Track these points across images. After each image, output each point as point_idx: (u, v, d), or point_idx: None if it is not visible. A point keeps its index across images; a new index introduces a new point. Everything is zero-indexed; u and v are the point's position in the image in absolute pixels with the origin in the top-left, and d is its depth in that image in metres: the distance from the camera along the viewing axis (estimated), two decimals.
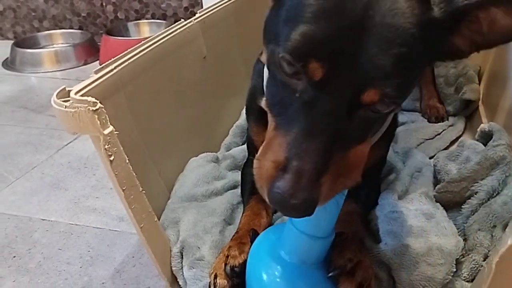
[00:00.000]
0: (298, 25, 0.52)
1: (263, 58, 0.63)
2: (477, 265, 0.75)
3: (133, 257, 0.98)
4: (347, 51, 0.51)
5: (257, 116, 0.94)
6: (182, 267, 0.83)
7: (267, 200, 0.56)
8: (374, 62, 0.51)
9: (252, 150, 1.01)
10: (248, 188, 0.94)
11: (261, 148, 0.60)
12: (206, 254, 0.82)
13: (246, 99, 0.98)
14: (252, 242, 0.76)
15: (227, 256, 0.75)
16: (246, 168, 1.00)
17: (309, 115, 0.54)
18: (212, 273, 0.75)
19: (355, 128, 0.56)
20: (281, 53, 0.53)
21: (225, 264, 0.74)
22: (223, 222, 0.91)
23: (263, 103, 0.65)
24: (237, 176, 1.04)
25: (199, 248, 0.84)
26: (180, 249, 0.84)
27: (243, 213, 0.89)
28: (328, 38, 0.51)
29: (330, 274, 0.66)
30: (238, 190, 1.00)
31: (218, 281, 0.73)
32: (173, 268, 0.83)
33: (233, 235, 0.82)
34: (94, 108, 0.64)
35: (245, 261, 0.74)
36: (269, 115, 0.62)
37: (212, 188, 1.00)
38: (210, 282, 0.75)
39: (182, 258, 0.84)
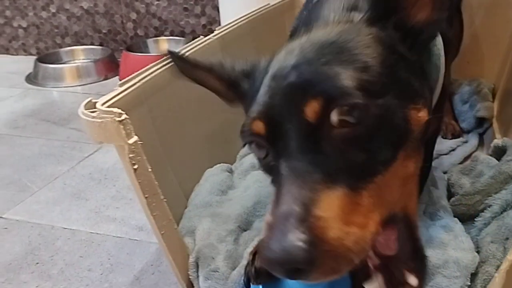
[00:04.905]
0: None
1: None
2: (490, 277, 0.75)
3: (152, 265, 1.01)
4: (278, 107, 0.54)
5: None
6: (198, 277, 0.84)
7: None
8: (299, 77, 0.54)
9: None
10: None
11: None
12: (220, 265, 0.83)
13: None
14: None
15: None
16: None
17: (284, 168, 0.52)
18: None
19: (346, 156, 0.50)
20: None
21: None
22: (237, 229, 0.92)
23: None
24: (249, 183, 1.05)
25: (213, 258, 0.84)
26: (195, 258, 0.85)
27: None
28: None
29: None
30: (251, 192, 1.00)
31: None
32: (190, 277, 0.85)
33: None
34: (119, 119, 0.67)
35: None
36: None
37: (226, 196, 1.02)
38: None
39: (197, 267, 0.85)
